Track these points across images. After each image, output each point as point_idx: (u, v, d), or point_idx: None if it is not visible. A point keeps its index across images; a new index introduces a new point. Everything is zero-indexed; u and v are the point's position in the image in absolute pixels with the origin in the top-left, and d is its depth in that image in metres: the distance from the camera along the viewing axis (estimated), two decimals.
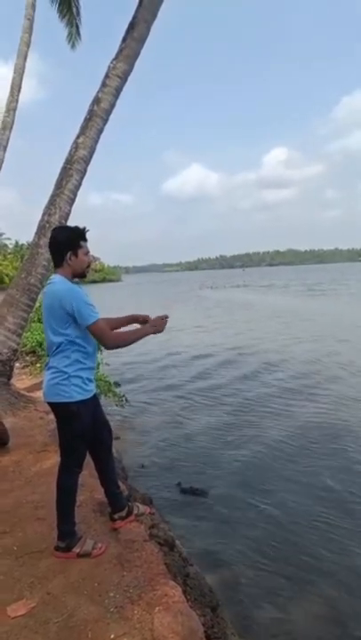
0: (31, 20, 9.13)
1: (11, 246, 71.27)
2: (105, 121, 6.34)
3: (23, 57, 9.31)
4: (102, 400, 7.03)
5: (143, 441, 6.47)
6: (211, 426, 6.94)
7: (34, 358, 8.58)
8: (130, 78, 6.55)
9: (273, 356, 12.11)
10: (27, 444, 4.34)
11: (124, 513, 2.91)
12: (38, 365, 7.94)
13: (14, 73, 9.54)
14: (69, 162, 6.15)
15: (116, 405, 7.29)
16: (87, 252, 2.61)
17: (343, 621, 3.07)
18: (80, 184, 6.29)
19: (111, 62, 6.31)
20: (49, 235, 6.19)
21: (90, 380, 2.59)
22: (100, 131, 6.31)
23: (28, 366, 8.34)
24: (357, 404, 7.82)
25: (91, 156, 6.32)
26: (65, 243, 2.54)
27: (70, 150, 6.18)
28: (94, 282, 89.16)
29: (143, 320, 2.73)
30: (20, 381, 7.12)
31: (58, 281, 2.52)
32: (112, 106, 6.35)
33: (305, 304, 27.65)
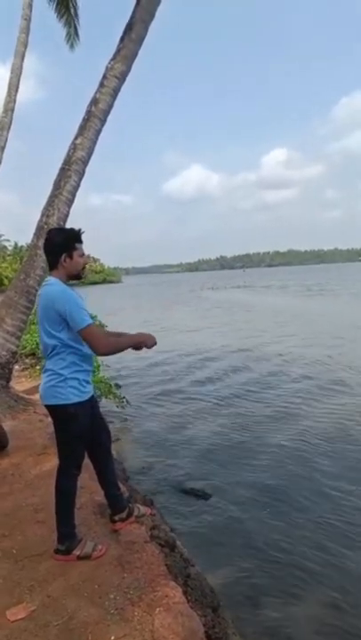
0: (28, 20, 9.13)
1: (10, 248, 71.32)
2: (103, 122, 6.33)
3: (20, 57, 9.30)
4: (103, 402, 7.05)
5: (144, 442, 6.45)
6: (212, 427, 6.93)
7: (33, 361, 8.57)
8: (128, 78, 6.55)
9: (273, 357, 12.09)
10: (26, 447, 4.33)
11: (124, 514, 2.89)
12: (38, 368, 7.93)
13: (11, 73, 9.52)
14: (67, 163, 6.15)
15: (117, 407, 7.29)
16: (82, 254, 2.60)
17: (345, 622, 3.05)
18: (79, 185, 6.28)
19: (109, 63, 6.31)
20: None
21: (87, 382, 2.58)
22: (99, 132, 6.31)
23: (27, 369, 8.33)
24: (358, 405, 7.82)
25: (89, 157, 6.31)
26: (60, 245, 2.53)
27: (68, 151, 6.18)
28: (94, 283, 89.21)
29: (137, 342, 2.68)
30: (20, 384, 7.11)
31: (52, 283, 2.51)
32: (110, 106, 6.35)
33: (304, 304, 27.63)
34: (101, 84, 6.25)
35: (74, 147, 6.16)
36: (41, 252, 6.00)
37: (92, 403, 2.65)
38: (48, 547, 2.66)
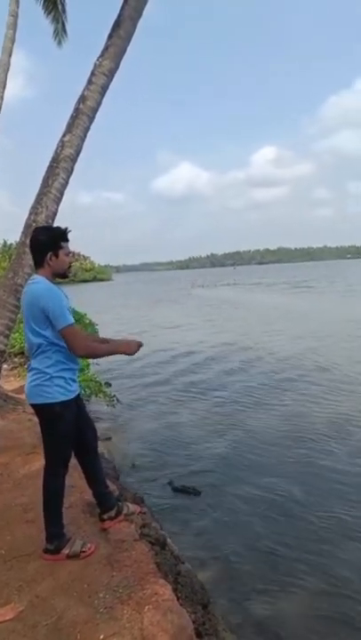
0: (15, 17, 9.04)
1: None
2: (91, 119, 6.28)
3: (8, 54, 9.20)
4: (93, 400, 7.03)
5: (134, 440, 6.46)
6: (202, 424, 6.96)
7: (22, 360, 8.51)
8: (117, 75, 6.51)
9: (261, 354, 12.20)
10: (15, 447, 4.30)
11: (113, 513, 2.89)
12: (27, 367, 7.87)
13: None
14: (56, 160, 6.09)
15: (107, 405, 7.27)
16: (68, 253, 2.59)
17: (333, 617, 3.09)
18: (67, 182, 6.23)
19: (97, 60, 6.26)
20: None
21: (73, 381, 2.57)
22: (87, 129, 6.26)
23: (16, 368, 8.28)
24: (341, 395, 7.94)
25: (77, 155, 6.26)
26: (46, 243, 2.52)
27: (56, 149, 6.12)
28: (85, 281, 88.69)
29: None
30: (8, 383, 7.07)
31: (38, 281, 2.49)
32: (98, 104, 6.30)
33: (292, 302, 27.87)
34: (89, 81, 6.20)
35: (62, 144, 6.10)
36: (29, 249, 5.95)
37: (78, 401, 2.64)
38: (37, 546, 2.65)
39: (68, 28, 10.94)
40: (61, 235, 2.57)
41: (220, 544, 3.92)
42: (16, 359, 8.65)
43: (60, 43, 11.11)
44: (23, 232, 6.10)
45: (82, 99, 6.17)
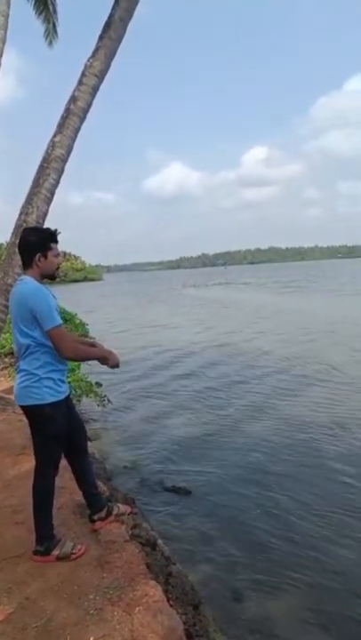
0: (6, 17, 8.97)
1: None
2: (82, 119, 6.28)
3: None
4: (84, 400, 7.01)
5: (125, 441, 6.45)
6: (193, 424, 6.97)
7: (12, 360, 8.45)
8: (108, 75, 6.51)
9: (250, 353, 12.30)
10: (5, 447, 4.28)
11: (103, 514, 2.89)
12: (16, 368, 7.82)
13: None
14: (46, 160, 6.08)
15: (98, 405, 7.25)
16: (57, 254, 2.59)
17: (324, 617, 3.11)
18: (58, 183, 6.22)
19: (88, 61, 6.26)
20: None
21: (62, 382, 2.57)
22: (78, 129, 6.25)
23: (6, 368, 8.22)
24: (331, 393, 8.05)
25: (68, 155, 6.26)
26: (35, 244, 2.52)
27: (47, 149, 6.11)
28: (75, 281, 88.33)
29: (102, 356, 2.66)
30: None
31: (27, 281, 2.49)
32: (89, 104, 6.30)
33: (282, 301, 28.06)
34: (80, 82, 6.20)
35: (52, 144, 6.09)
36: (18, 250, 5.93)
37: (68, 402, 2.64)
38: (27, 548, 2.64)
39: (58, 28, 10.90)
40: (51, 236, 2.57)
41: (212, 544, 3.93)
42: (6, 359, 8.59)
43: (50, 43, 11.06)
44: (13, 232, 6.08)
45: (72, 99, 6.17)
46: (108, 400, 7.37)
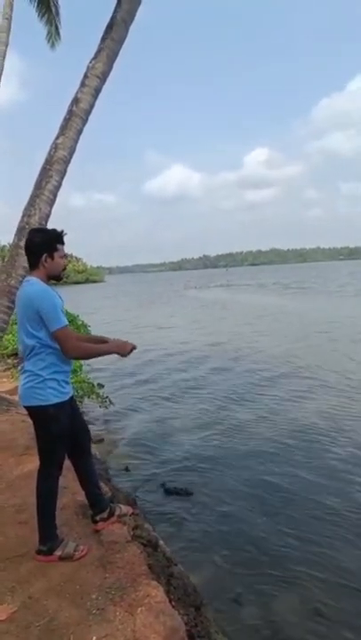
0: (9, 20, 9.04)
1: None
2: (84, 121, 6.31)
3: (2, 56, 9.20)
4: (86, 401, 7.02)
5: (127, 442, 6.46)
6: (195, 426, 6.97)
7: (15, 361, 8.48)
8: (111, 76, 6.54)
9: (252, 352, 12.36)
10: (8, 448, 4.29)
11: (105, 514, 2.90)
12: (20, 368, 7.84)
13: None
14: (49, 162, 6.11)
15: (100, 407, 7.26)
16: (63, 255, 2.61)
17: (326, 618, 3.10)
18: (60, 185, 6.24)
19: (90, 62, 6.29)
20: None
21: (66, 383, 2.58)
22: (80, 131, 6.28)
23: (9, 369, 8.25)
24: (330, 393, 8.06)
25: (70, 157, 6.28)
26: (41, 245, 2.53)
27: (50, 151, 6.14)
28: (77, 282, 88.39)
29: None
30: (2, 384, 7.05)
31: (33, 282, 2.50)
32: (91, 106, 6.33)
33: (283, 303, 28.06)
34: (82, 84, 6.23)
35: (55, 146, 6.12)
36: (22, 251, 5.95)
37: (72, 403, 2.65)
38: (30, 547, 2.65)
39: (61, 30, 10.96)
40: (57, 237, 2.59)
41: (213, 545, 3.93)
42: (9, 360, 8.62)
43: (53, 45, 11.13)
44: (16, 234, 6.10)
45: (75, 101, 6.20)
46: (110, 401, 7.38)
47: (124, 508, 3.10)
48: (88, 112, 6.29)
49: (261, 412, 7.39)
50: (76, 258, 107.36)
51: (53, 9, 10.37)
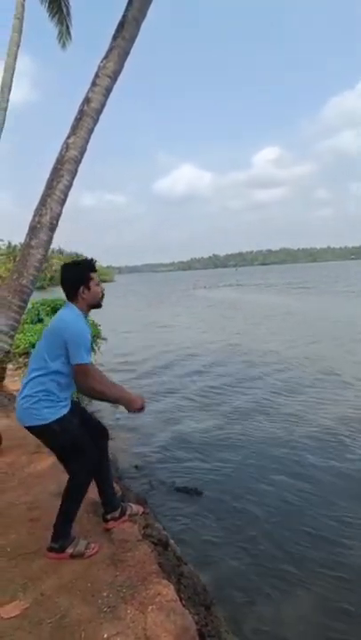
0: (21, 20, 9.09)
1: (3, 247, 70.62)
2: (95, 121, 6.32)
3: (13, 57, 9.25)
4: (95, 400, 7.04)
5: (137, 441, 6.46)
6: (205, 425, 6.96)
7: (26, 360, 8.53)
8: (120, 77, 6.55)
9: (262, 354, 12.26)
10: (20, 446, 4.32)
11: (117, 513, 2.91)
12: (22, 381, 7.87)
13: (4, 72, 9.48)
14: (60, 162, 6.14)
15: (111, 406, 7.28)
16: (98, 283, 2.64)
17: (337, 620, 3.07)
18: (71, 184, 6.27)
19: (101, 62, 6.31)
20: (40, 236, 6.17)
21: (64, 398, 2.56)
22: (91, 131, 6.30)
23: (20, 368, 8.29)
24: (345, 395, 7.97)
25: (82, 157, 6.30)
26: (76, 279, 2.57)
27: (61, 151, 6.16)
28: None
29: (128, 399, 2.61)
30: (13, 383, 7.09)
31: (70, 308, 2.55)
32: (102, 105, 6.34)
33: (291, 303, 27.87)
34: (93, 83, 6.25)
35: (66, 146, 6.14)
36: (34, 251, 5.99)
37: (75, 410, 2.65)
38: (41, 545, 2.67)
39: (72, 30, 11.00)
40: (89, 266, 2.65)
41: (223, 546, 3.91)
42: (20, 359, 8.66)
43: (64, 45, 11.17)
44: (28, 234, 6.14)
45: (86, 100, 6.22)
46: None
47: (135, 508, 3.11)
48: (99, 111, 6.30)
49: (274, 411, 7.35)
50: (86, 258, 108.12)
51: (64, 9, 10.42)
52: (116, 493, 3.02)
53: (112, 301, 37.15)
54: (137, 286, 73.95)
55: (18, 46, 9.21)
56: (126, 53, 6.41)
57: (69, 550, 2.56)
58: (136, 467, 5.50)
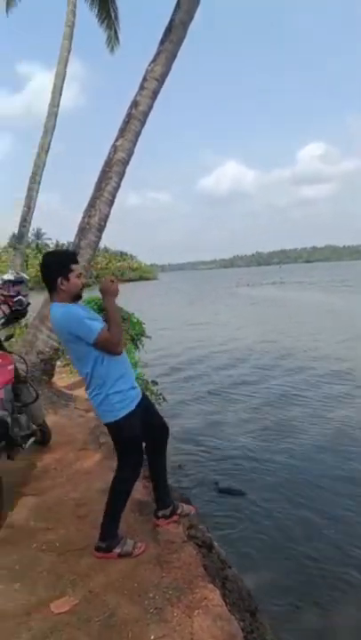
0: (72, 27, 9.32)
1: (52, 246, 72.84)
2: (143, 123, 6.40)
3: (64, 63, 9.51)
4: None
5: (180, 440, 6.48)
6: (249, 424, 6.90)
7: None
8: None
9: (307, 352, 12.04)
10: (67, 443, 4.44)
11: (168, 512, 2.93)
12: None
13: (55, 78, 9.77)
14: (108, 165, 6.26)
15: (155, 403, 7.35)
16: (79, 274, 2.59)
17: None
18: (119, 186, 6.38)
19: (149, 65, 6.37)
20: (89, 236, 6.31)
21: (132, 389, 2.62)
22: (138, 133, 6.38)
23: (68, 364, 8.51)
24: None
25: (129, 159, 6.40)
26: (54, 268, 2.53)
27: (109, 153, 6.28)
28: (130, 280, 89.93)
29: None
30: (61, 379, 7.29)
31: (54, 308, 2.54)
32: (150, 108, 6.41)
33: (340, 301, 27.07)
34: (141, 87, 6.32)
35: (114, 148, 6.25)
36: (83, 251, 6.14)
37: (141, 406, 2.69)
38: (89, 542, 2.72)
39: (120, 34, 11.18)
40: (70, 257, 2.62)
41: (267, 549, 3.85)
42: (68, 356, 8.89)
43: (112, 49, 11.38)
44: (77, 235, 6.30)
45: (134, 104, 6.30)
46: (164, 398, 7.45)
47: (187, 508, 3.12)
48: (146, 114, 6.37)
49: (315, 411, 7.23)
50: (130, 255, 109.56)
51: (113, 14, 10.60)
52: (169, 491, 3.04)
53: (155, 300, 37.48)
54: (180, 284, 74.19)
55: (69, 52, 9.45)
56: (173, 56, 6.44)
57: (117, 550, 2.60)
58: (179, 466, 5.52)
